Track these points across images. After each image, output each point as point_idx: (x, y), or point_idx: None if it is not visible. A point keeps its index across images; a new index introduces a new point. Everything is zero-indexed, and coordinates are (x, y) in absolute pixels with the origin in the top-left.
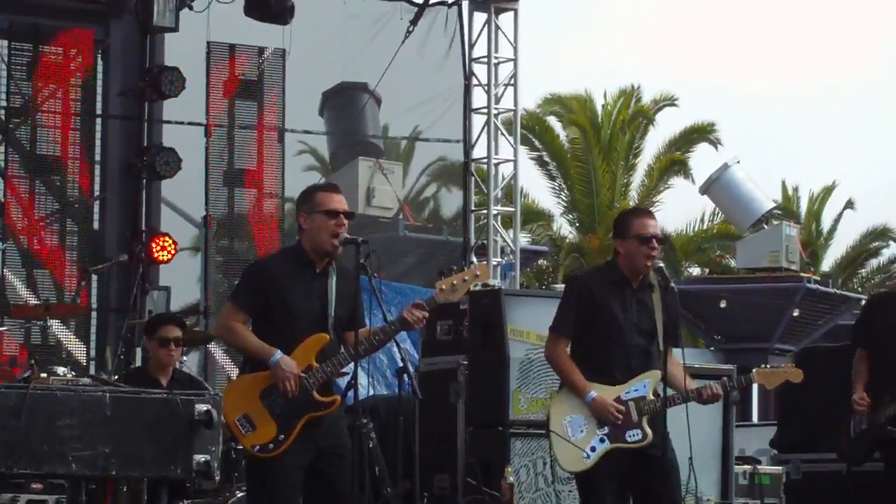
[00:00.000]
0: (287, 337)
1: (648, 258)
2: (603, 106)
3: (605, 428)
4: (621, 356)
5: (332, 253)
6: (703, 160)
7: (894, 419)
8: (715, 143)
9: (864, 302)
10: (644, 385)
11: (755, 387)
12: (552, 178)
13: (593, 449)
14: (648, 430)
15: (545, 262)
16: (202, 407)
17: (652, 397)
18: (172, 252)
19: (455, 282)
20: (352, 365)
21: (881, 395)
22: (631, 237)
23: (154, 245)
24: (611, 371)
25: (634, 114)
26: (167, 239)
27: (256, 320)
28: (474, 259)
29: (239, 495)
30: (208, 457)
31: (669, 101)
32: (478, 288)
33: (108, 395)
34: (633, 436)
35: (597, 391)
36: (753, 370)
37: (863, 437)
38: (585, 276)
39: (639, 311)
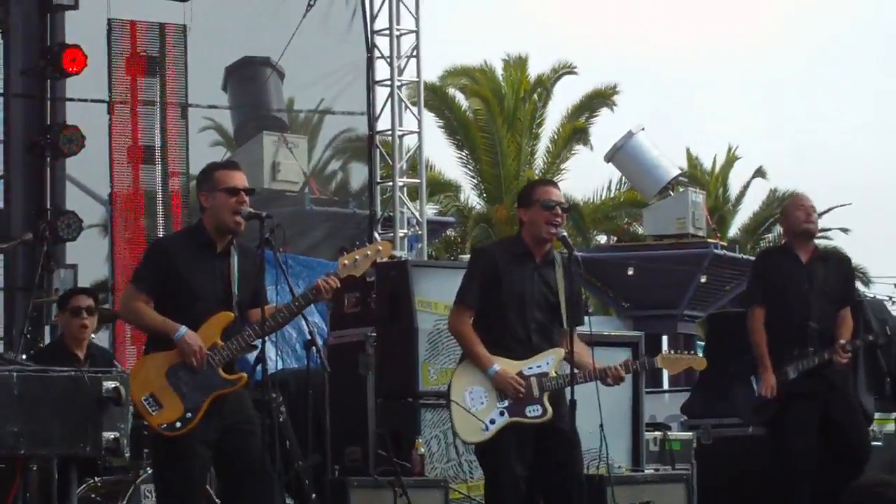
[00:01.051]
0: (190, 317)
1: (552, 225)
2: (503, 76)
3: (506, 401)
4: (521, 330)
5: (236, 230)
6: (606, 128)
7: (807, 373)
8: (612, 107)
9: (754, 260)
10: (547, 362)
11: (665, 345)
12: (459, 149)
13: (493, 421)
14: (549, 406)
15: (453, 232)
16: (110, 384)
17: (554, 374)
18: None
19: (357, 257)
20: (259, 341)
21: (783, 350)
22: (534, 205)
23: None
24: (511, 345)
25: (535, 83)
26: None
27: (159, 301)
28: (379, 232)
29: (150, 471)
30: (118, 434)
31: (568, 69)
32: (384, 260)
33: (14, 374)
34: (532, 411)
35: (500, 365)
36: (657, 356)
37: (768, 403)
38: (490, 247)
39: (541, 286)
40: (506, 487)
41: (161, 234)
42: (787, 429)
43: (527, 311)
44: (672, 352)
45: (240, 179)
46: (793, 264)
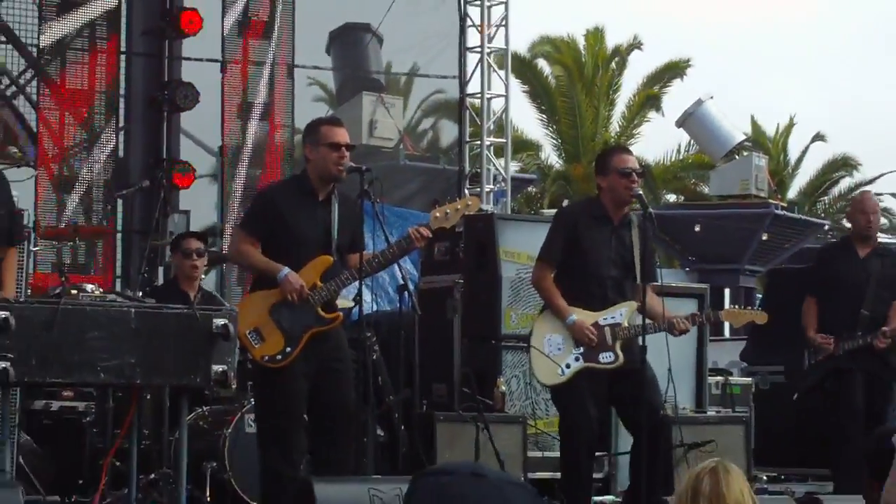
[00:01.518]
0: (293, 260)
1: (629, 189)
2: (584, 46)
3: (581, 348)
4: (597, 285)
5: (339, 178)
6: (677, 96)
7: (851, 352)
8: (683, 77)
9: (815, 252)
10: (620, 314)
11: (727, 297)
12: (541, 112)
13: (568, 366)
14: (620, 354)
15: (534, 188)
16: (220, 321)
17: (626, 324)
18: (190, 179)
19: (448, 210)
20: (356, 284)
21: (834, 333)
22: (612, 172)
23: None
24: (587, 298)
25: (612, 53)
26: (187, 165)
27: (265, 244)
28: (468, 187)
29: (252, 403)
30: (225, 367)
31: (638, 45)
32: (472, 213)
33: (132, 310)
34: (605, 357)
35: (577, 315)
36: (721, 311)
37: (817, 366)
38: (572, 208)
39: (617, 246)
40: (579, 427)
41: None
42: (837, 398)
43: (603, 268)
44: (735, 306)
45: (342, 136)
46: (851, 258)
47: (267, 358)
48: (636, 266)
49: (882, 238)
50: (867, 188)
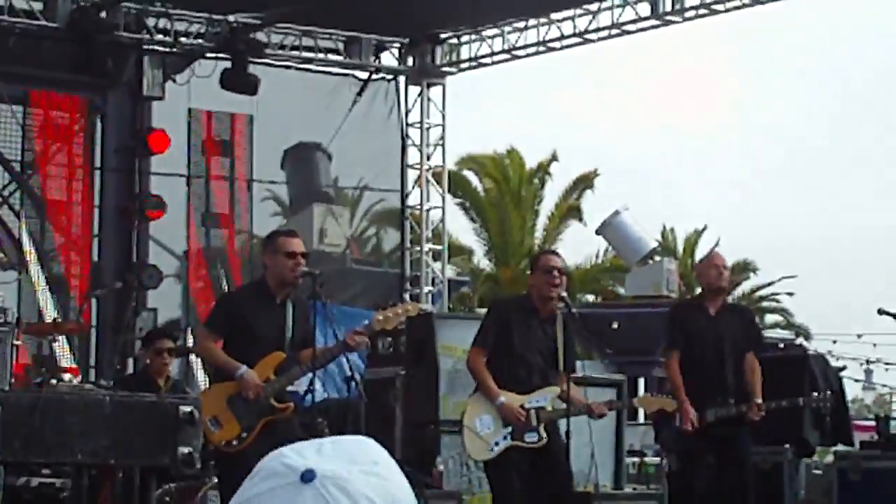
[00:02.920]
0: (251, 355)
1: (552, 286)
2: (509, 163)
3: (509, 428)
4: (524, 371)
5: (294, 284)
6: (599, 205)
7: (722, 420)
8: (592, 188)
9: (669, 311)
10: (545, 398)
11: (642, 388)
12: (473, 221)
13: (497, 444)
14: (544, 434)
15: (467, 290)
16: (186, 408)
17: (550, 408)
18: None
19: (390, 314)
20: (308, 375)
21: (702, 395)
22: (538, 271)
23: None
24: (514, 383)
25: (536, 169)
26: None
27: (227, 340)
28: (408, 289)
29: (215, 479)
30: (191, 449)
31: (555, 158)
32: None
33: (107, 397)
34: (530, 437)
35: (505, 398)
36: (636, 398)
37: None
38: (505, 302)
39: (543, 337)
40: (508, 498)
41: (224, 285)
42: (695, 465)
43: (530, 356)
44: (648, 394)
45: (298, 245)
46: (705, 316)
47: (224, 443)
48: (559, 356)
49: (774, 334)
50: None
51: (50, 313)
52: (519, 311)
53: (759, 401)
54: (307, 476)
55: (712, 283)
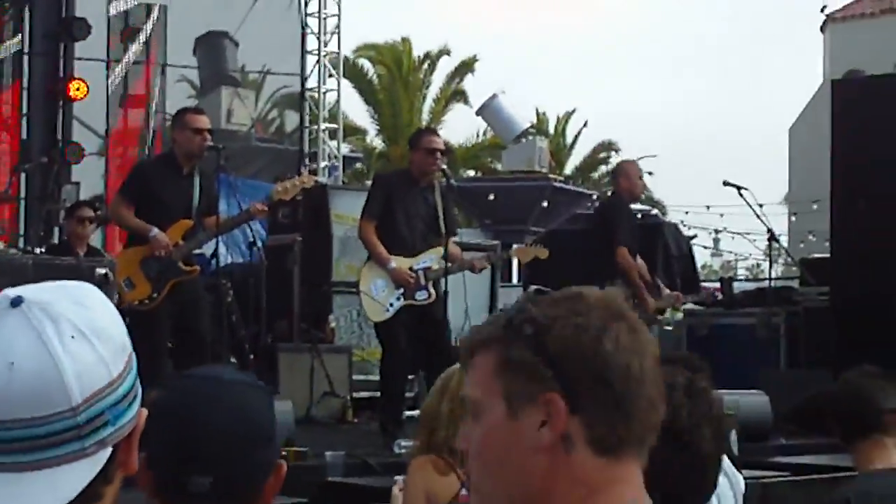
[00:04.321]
0: (161, 222)
1: (434, 165)
2: (402, 51)
3: (401, 289)
4: (409, 236)
5: (200, 157)
6: (481, 87)
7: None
8: (473, 72)
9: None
10: (431, 259)
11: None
12: (367, 104)
13: (391, 304)
14: (433, 291)
15: (361, 165)
16: (101, 270)
17: (435, 267)
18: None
19: (288, 185)
20: (211, 242)
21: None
22: (420, 150)
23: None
24: (402, 247)
25: (424, 57)
26: (78, 145)
27: (138, 208)
28: (306, 164)
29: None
30: None
31: (446, 51)
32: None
33: (30, 261)
34: (421, 295)
35: (395, 262)
36: (513, 247)
37: None
38: (387, 175)
39: (424, 205)
40: (396, 354)
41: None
42: None
43: (414, 222)
44: (524, 245)
45: (203, 122)
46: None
47: (137, 302)
48: (440, 221)
49: (634, 207)
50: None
51: None
52: (401, 182)
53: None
54: (15, 301)
55: (636, 192)
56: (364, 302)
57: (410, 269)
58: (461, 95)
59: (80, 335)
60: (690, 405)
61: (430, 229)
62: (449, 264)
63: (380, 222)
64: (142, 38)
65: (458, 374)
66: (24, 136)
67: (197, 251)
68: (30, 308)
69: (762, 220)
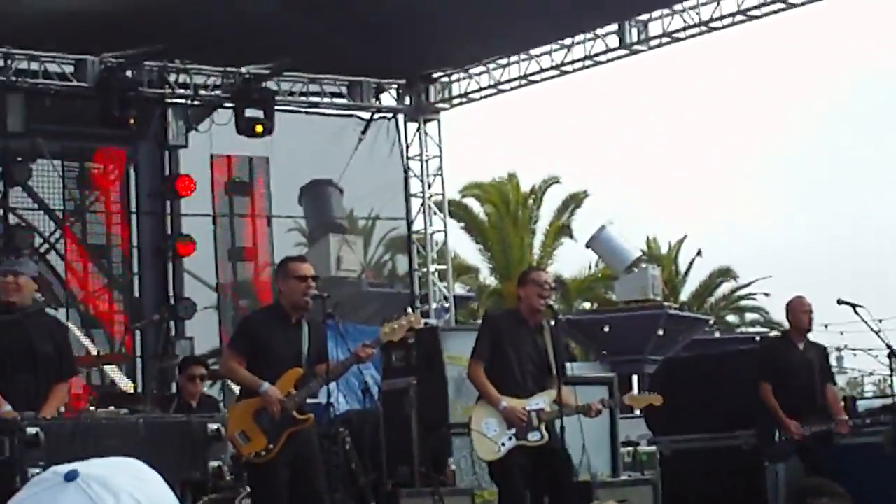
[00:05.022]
0: (271, 373)
1: (542, 297)
2: (508, 187)
3: (513, 429)
4: (521, 378)
5: (306, 307)
6: (587, 221)
7: (816, 435)
8: (582, 206)
9: (760, 343)
10: (543, 400)
11: (635, 382)
12: (477, 243)
13: (503, 444)
14: (545, 433)
15: (474, 304)
16: (213, 426)
17: (548, 409)
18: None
19: (395, 326)
20: (328, 388)
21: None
22: (529, 284)
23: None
24: (513, 388)
25: (530, 192)
26: (189, 300)
27: (250, 360)
28: (416, 306)
29: (248, 489)
30: (220, 462)
31: (554, 180)
32: (420, 327)
33: (141, 420)
34: (533, 436)
35: (507, 402)
36: (625, 395)
37: (785, 442)
38: (496, 315)
39: (533, 345)
40: (513, 494)
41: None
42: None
43: (524, 363)
44: (636, 393)
45: (306, 269)
46: (795, 350)
47: (253, 455)
48: (551, 362)
49: (754, 330)
50: (800, 294)
51: (93, 347)
52: (510, 322)
53: (844, 418)
54: (70, 475)
55: (806, 326)
56: (475, 440)
57: (522, 408)
58: (568, 229)
59: None
60: None
61: (540, 371)
62: (561, 407)
63: (490, 363)
64: (246, 190)
65: None
66: (136, 293)
67: (312, 400)
68: (87, 483)
69: (880, 337)
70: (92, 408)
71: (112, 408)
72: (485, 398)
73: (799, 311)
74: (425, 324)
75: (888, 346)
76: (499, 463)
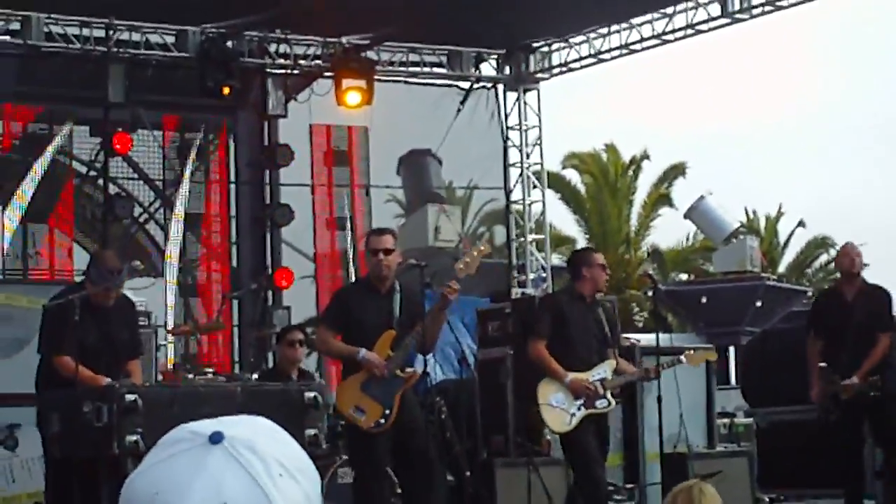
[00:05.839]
0: (365, 343)
1: (606, 277)
2: (607, 158)
3: (581, 399)
4: (583, 352)
5: (384, 278)
6: (686, 191)
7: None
8: (684, 176)
9: (813, 298)
10: (604, 370)
11: (732, 356)
12: (575, 213)
13: (573, 414)
14: (612, 399)
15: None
16: (310, 394)
17: (610, 377)
18: (290, 280)
19: (468, 259)
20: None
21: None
22: (595, 266)
23: (277, 276)
24: (575, 362)
25: (630, 162)
26: (287, 270)
27: (344, 334)
28: (515, 276)
29: (344, 458)
30: (317, 430)
31: (645, 156)
32: (518, 295)
33: (239, 388)
34: (601, 403)
35: (572, 376)
36: (683, 355)
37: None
38: (553, 295)
39: (592, 320)
40: (590, 462)
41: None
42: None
43: (585, 338)
44: (691, 350)
45: (378, 242)
46: (839, 302)
47: (374, 424)
48: (608, 334)
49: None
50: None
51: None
52: (568, 300)
53: (853, 381)
54: (215, 437)
55: (845, 269)
56: (545, 414)
57: (586, 380)
58: (667, 199)
59: (286, 473)
60: None
61: (600, 344)
62: (623, 376)
63: (552, 340)
64: (345, 160)
65: (683, 494)
66: (234, 263)
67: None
68: (234, 445)
69: None
70: (190, 375)
71: (210, 374)
72: (549, 374)
73: (842, 255)
74: (523, 293)
75: None
76: (573, 433)
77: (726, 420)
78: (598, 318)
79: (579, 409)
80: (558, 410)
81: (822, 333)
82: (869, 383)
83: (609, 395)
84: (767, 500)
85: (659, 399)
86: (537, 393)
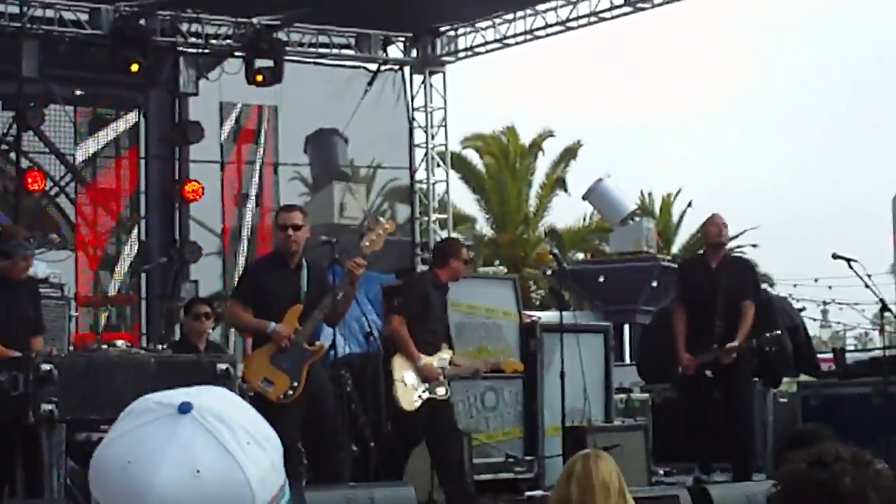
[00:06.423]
0: (274, 316)
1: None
2: (507, 140)
3: (427, 384)
4: (434, 338)
5: (291, 253)
6: (582, 173)
7: (709, 363)
8: (576, 158)
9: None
10: (444, 359)
11: (627, 335)
12: (475, 193)
13: (420, 396)
14: (448, 388)
15: (471, 253)
16: (222, 365)
17: (448, 367)
18: (200, 253)
19: (373, 236)
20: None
21: (695, 341)
22: (460, 259)
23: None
24: (427, 346)
25: (530, 145)
26: (195, 244)
27: (254, 307)
28: (419, 253)
29: None
30: None
31: (549, 134)
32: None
33: (152, 359)
34: (440, 390)
35: (425, 360)
36: (501, 362)
37: (688, 376)
38: (421, 279)
39: (443, 308)
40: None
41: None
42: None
43: (437, 324)
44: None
45: (286, 218)
46: (705, 270)
47: (282, 396)
48: (449, 325)
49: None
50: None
51: (104, 287)
52: (431, 285)
53: (733, 344)
54: (184, 407)
55: (712, 239)
56: (398, 390)
57: (431, 365)
58: (563, 182)
59: (254, 441)
60: (854, 472)
61: (446, 333)
62: (455, 367)
63: (413, 321)
64: (254, 138)
65: (581, 460)
66: (142, 237)
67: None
68: (202, 415)
69: (873, 291)
70: (104, 346)
71: (122, 345)
72: (403, 353)
73: (709, 225)
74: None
75: (881, 300)
76: (414, 413)
77: (623, 395)
78: (446, 304)
79: (424, 392)
80: (409, 389)
81: (691, 300)
82: (768, 338)
83: (447, 384)
84: (662, 472)
85: (562, 374)
86: (393, 368)
